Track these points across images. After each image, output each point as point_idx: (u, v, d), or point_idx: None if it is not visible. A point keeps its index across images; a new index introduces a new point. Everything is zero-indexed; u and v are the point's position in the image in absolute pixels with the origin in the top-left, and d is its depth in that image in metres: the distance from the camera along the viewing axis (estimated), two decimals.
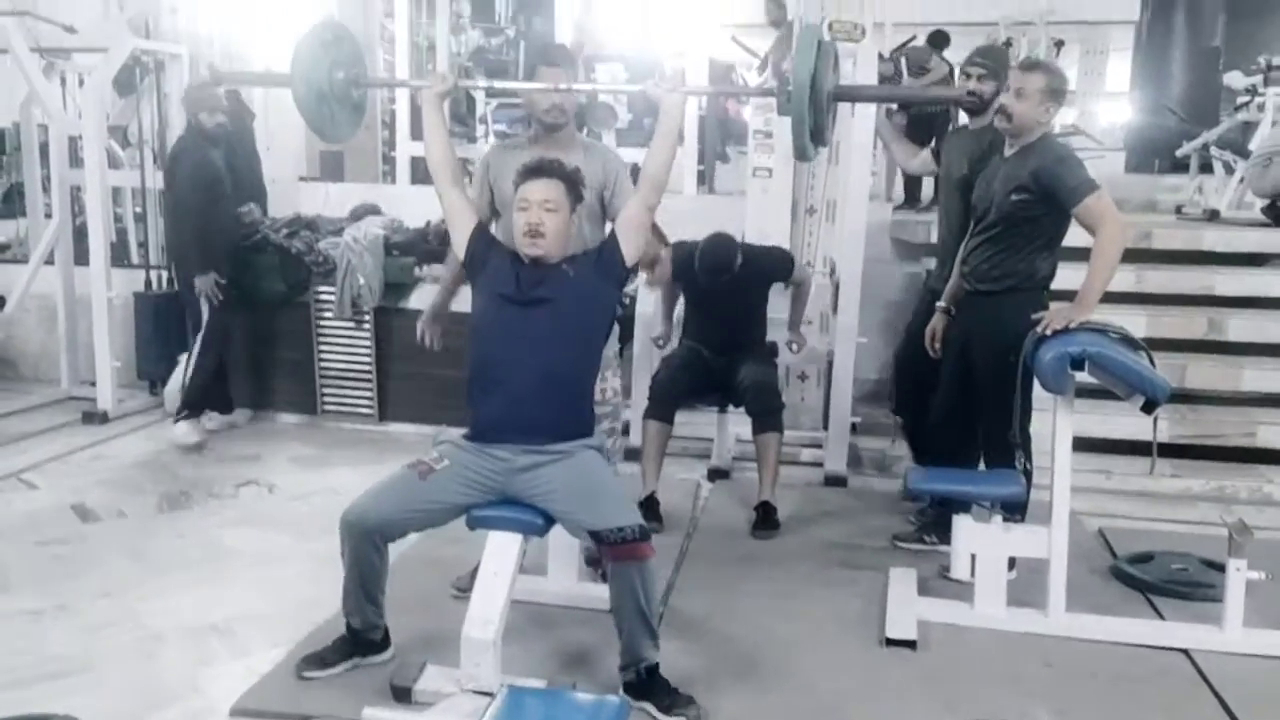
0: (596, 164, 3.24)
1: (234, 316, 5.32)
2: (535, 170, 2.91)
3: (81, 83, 5.95)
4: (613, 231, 2.99)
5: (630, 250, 2.92)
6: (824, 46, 2.82)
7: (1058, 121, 10.29)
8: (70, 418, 5.57)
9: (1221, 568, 3.23)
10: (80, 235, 5.89)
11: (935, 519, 3.95)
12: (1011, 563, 3.47)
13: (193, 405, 5.23)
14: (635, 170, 3.21)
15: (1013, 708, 2.81)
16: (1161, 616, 3.45)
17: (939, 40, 8.70)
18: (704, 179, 7.92)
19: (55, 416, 5.62)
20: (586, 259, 2.95)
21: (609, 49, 8.86)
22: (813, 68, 2.76)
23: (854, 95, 3.33)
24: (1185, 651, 3.18)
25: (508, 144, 3.57)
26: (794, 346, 4.71)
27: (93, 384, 5.70)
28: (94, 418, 5.53)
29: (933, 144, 4.30)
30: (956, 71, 6.93)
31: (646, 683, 2.74)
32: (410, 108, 7.49)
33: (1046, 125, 3.55)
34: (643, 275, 3.27)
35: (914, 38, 9.22)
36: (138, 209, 6.74)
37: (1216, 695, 2.94)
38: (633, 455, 4.29)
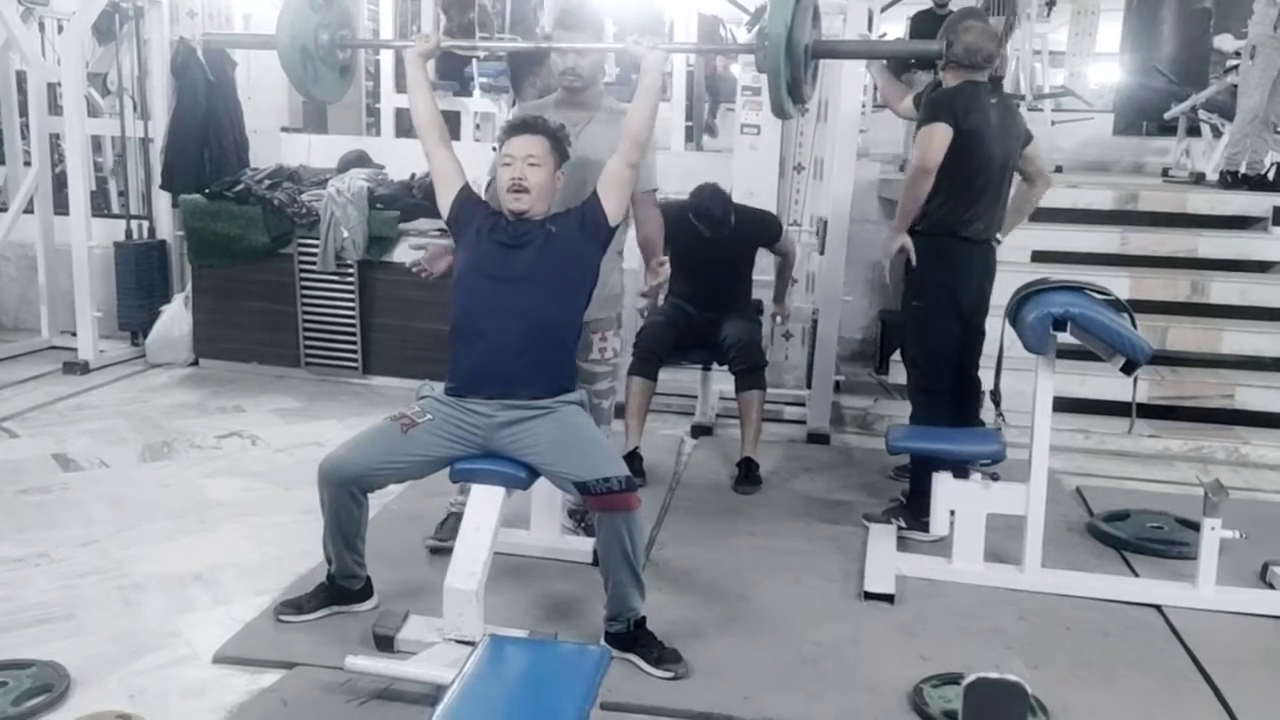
0: (617, 129, 3.18)
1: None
2: (519, 126, 2.94)
3: (60, 29, 5.85)
4: (595, 190, 2.97)
5: (611, 207, 2.92)
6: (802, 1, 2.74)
7: (1048, 83, 10.27)
8: (51, 367, 5.54)
9: (1196, 526, 3.28)
10: (60, 184, 5.84)
11: (903, 505, 3.82)
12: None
13: None
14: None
15: (987, 660, 2.84)
16: (1136, 573, 3.50)
17: None
18: (691, 135, 7.85)
19: (36, 366, 5.59)
20: (570, 217, 2.94)
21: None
22: (789, 20, 2.65)
23: (834, 51, 3.35)
24: (1158, 607, 3.23)
25: (534, 105, 3.53)
26: (779, 319, 4.74)
27: (74, 334, 5.66)
28: (75, 368, 5.49)
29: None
30: None
31: (634, 634, 2.77)
32: (395, 59, 7.38)
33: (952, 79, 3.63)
34: (642, 286, 3.31)
35: None
36: (117, 156, 6.65)
37: (1188, 650, 2.99)
38: (617, 412, 4.29)
